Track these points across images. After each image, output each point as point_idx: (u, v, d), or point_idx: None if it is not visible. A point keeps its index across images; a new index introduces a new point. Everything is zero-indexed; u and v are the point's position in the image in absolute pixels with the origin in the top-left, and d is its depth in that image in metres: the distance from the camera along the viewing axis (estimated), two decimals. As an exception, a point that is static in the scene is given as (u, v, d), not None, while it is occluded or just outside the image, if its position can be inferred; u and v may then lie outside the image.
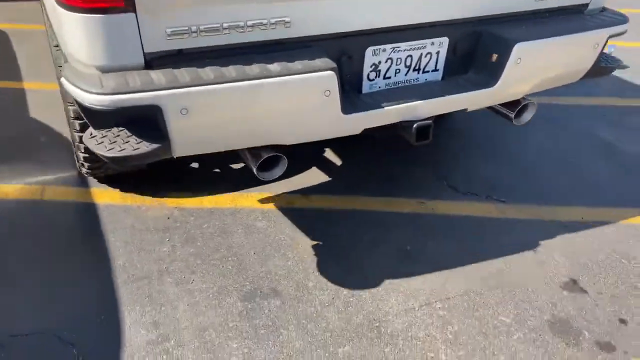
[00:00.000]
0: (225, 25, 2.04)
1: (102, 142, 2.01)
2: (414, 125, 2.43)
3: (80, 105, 1.98)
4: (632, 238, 3.00)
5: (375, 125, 2.40)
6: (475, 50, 2.60)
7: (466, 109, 2.61)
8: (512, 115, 2.79)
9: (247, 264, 2.69)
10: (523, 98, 2.77)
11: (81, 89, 1.91)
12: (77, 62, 1.99)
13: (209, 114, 2.01)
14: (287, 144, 2.28)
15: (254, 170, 2.28)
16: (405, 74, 2.51)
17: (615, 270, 2.77)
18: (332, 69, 2.11)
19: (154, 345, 2.26)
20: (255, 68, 2.03)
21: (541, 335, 2.39)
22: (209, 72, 1.98)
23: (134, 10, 1.89)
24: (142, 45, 1.95)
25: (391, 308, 2.49)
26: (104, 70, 1.95)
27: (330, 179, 3.38)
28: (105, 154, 1.96)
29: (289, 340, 2.32)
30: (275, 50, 2.15)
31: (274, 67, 2.05)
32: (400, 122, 2.45)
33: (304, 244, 2.85)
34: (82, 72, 1.98)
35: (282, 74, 2.04)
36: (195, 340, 2.29)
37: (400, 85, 2.53)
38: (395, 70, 2.48)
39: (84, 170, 3.05)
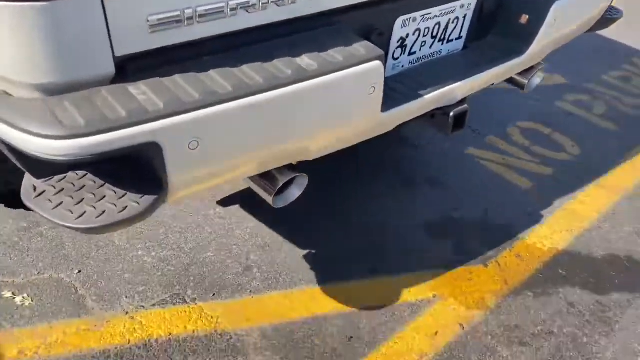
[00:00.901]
0: (232, 3, 1.34)
1: (62, 204, 1.28)
2: (451, 113, 1.93)
3: (14, 151, 1.22)
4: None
5: (408, 119, 1.87)
6: (501, 10, 2.12)
7: (492, 84, 2.15)
8: (527, 82, 2.39)
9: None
10: (539, 63, 2.38)
11: (22, 130, 1.15)
12: (2, 81, 1.20)
13: (227, 141, 1.34)
14: (310, 159, 1.68)
15: (270, 199, 1.66)
16: (430, 47, 1.97)
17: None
18: (378, 58, 1.52)
19: (25, 231, 2.27)
20: (283, 67, 1.38)
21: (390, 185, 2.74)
22: (220, 80, 1.30)
23: (98, -9, 1.14)
24: (111, 45, 1.21)
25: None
26: (51, 90, 1.19)
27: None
28: (76, 225, 1.24)
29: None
30: (293, 34, 1.50)
31: (308, 63, 1.41)
32: (434, 110, 1.94)
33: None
34: (13, 97, 1.20)
35: (322, 73, 1.41)
36: None
37: (423, 60, 1.99)
38: (422, 43, 1.92)
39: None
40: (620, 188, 2.82)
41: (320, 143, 1.62)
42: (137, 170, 1.31)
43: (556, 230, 2.50)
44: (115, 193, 1.30)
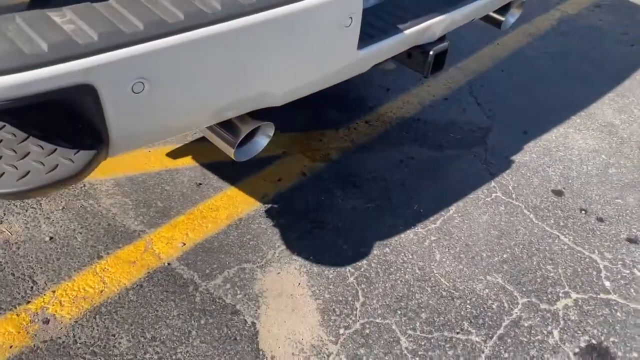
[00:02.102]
0: None
1: (-28, 164, 1.02)
2: (431, 52, 1.73)
3: None
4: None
5: (385, 59, 1.66)
6: None
7: (473, 19, 1.96)
8: (504, 19, 2.20)
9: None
10: (517, -3, 2.19)
11: None
12: None
13: (180, 82, 1.11)
14: (277, 105, 1.45)
15: (232, 152, 1.44)
16: (407, -25, 1.75)
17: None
18: (357, -18, 1.29)
19: None
20: (246, -9, 1.13)
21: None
22: (168, 4, 1.05)
23: None
24: (23, -43, 0.93)
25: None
26: (-55, 16, 0.92)
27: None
28: (-7, 190, 0.99)
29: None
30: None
31: (276, -15, 1.17)
32: (412, 48, 1.73)
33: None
34: None
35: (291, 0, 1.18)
36: None
37: (399, -9, 1.77)
38: (398, -30, 1.70)
39: None
40: (472, 70, 2.93)
41: (287, 86, 1.40)
42: (68, 120, 1.06)
43: (407, 102, 2.62)
44: (43, 149, 1.05)
